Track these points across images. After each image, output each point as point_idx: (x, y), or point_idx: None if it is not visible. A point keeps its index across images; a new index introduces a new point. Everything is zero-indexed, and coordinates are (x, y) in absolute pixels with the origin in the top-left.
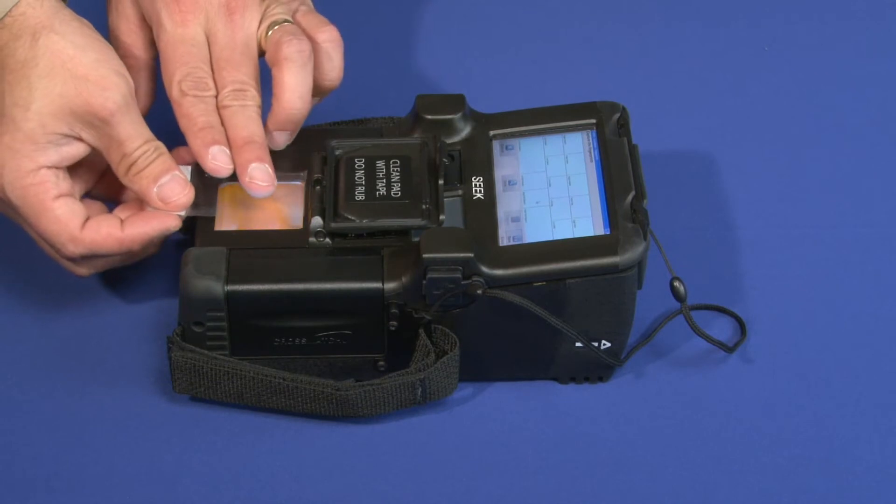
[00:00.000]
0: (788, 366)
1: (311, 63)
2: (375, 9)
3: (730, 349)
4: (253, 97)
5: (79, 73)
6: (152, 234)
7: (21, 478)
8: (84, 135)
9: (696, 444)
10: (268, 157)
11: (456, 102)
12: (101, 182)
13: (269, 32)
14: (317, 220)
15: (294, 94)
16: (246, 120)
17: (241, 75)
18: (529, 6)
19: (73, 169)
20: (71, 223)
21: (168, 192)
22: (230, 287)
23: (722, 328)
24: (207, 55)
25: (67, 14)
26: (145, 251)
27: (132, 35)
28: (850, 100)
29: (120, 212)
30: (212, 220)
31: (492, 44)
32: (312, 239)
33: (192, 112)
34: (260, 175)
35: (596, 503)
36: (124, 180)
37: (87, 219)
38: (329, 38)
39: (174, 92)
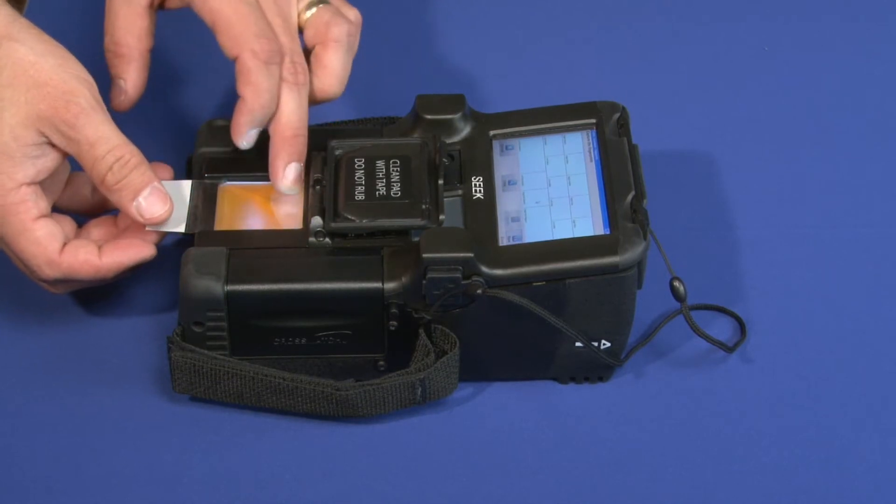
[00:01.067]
0: (788, 366)
1: (354, 48)
2: (375, 9)
3: (730, 349)
4: (306, 73)
5: (41, 80)
6: (129, 263)
7: (21, 478)
8: (55, 139)
9: (696, 444)
10: (304, 155)
11: (456, 102)
12: (65, 194)
13: (309, 12)
14: (317, 220)
15: (335, 77)
16: (298, 106)
17: (297, 45)
18: (529, 6)
19: (42, 182)
20: (50, 246)
21: (147, 208)
22: (230, 287)
23: (722, 328)
24: (266, 18)
25: (24, 22)
26: (119, 277)
27: (132, 21)
28: (850, 100)
29: (93, 230)
30: (212, 220)
31: (492, 44)
32: (312, 239)
33: (262, 83)
34: (293, 178)
35: (596, 503)
36: (102, 188)
37: (65, 243)
38: (356, 18)
39: (246, 54)
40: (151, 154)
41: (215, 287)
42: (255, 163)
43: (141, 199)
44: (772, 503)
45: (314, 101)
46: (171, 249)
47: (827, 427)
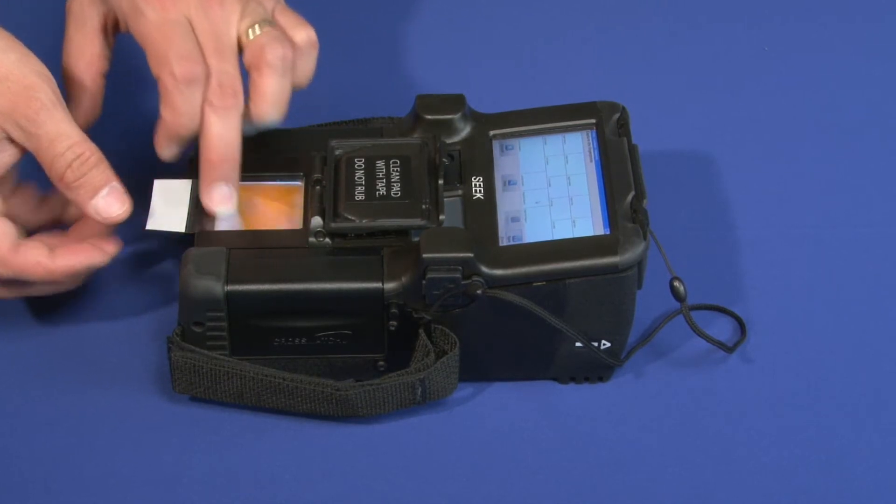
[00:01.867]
0: (788, 366)
1: (290, 72)
2: (375, 9)
3: (730, 349)
4: (237, 95)
5: (1, 74)
6: (79, 267)
7: (21, 478)
8: (14, 134)
9: (696, 444)
10: (236, 176)
11: (456, 102)
12: (10, 203)
13: (250, 32)
14: (317, 220)
15: (268, 103)
16: (224, 129)
17: (229, 66)
18: (529, 6)
19: None
20: (2, 245)
21: (105, 207)
22: (230, 287)
23: (722, 328)
24: (196, 39)
25: None
26: (71, 283)
27: (82, 47)
28: (850, 100)
29: (48, 236)
30: (212, 220)
31: (492, 44)
32: (312, 239)
33: (180, 107)
34: (218, 199)
35: (596, 503)
36: (59, 185)
37: (18, 244)
38: (306, 39)
39: (165, 76)
40: (151, 155)
41: (215, 287)
42: (255, 163)
43: (99, 198)
44: (772, 503)
45: (253, 125)
46: (171, 249)
47: (827, 427)
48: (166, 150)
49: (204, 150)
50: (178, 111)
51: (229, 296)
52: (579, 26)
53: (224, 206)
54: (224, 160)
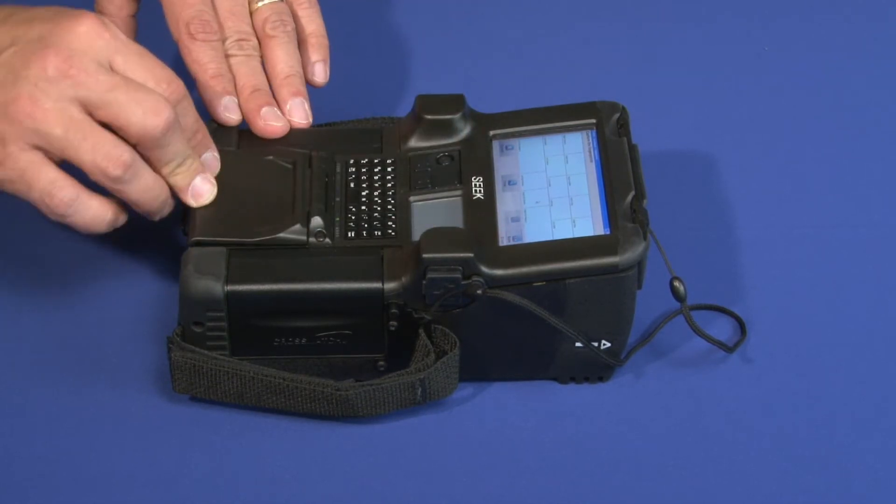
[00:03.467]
0: (788, 366)
1: (295, 38)
2: (376, 8)
3: (730, 349)
4: (255, 48)
5: None
6: None
7: (21, 478)
8: None
9: (696, 444)
10: (275, 102)
11: (456, 102)
12: None
13: (259, 5)
14: (317, 220)
15: (286, 63)
16: (251, 70)
17: (244, 26)
18: (529, 6)
19: None
20: None
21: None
22: (230, 287)
23: (722, 328)
24: (211, 1)
25: None
26: None
27: None
28: (850, 99)
29: None
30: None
31: (492, 44)
32: (312, 239)
33: (203, 58)
34: (272, 116)
35: (596, 503)
36: None
37: None
38: (308, 4)
39: (183, 34)
40: None
41: (215, 287)
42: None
43: None
44: (772, 503)
45: (290, 89)
46: (172, 249)
47: (827, 427)
48: (223, 110)
49: (237, 89)
50: (202, 62)
51: (229, 296)
52: (579, 26)
53: (278, 122)
54: (256, 89)
